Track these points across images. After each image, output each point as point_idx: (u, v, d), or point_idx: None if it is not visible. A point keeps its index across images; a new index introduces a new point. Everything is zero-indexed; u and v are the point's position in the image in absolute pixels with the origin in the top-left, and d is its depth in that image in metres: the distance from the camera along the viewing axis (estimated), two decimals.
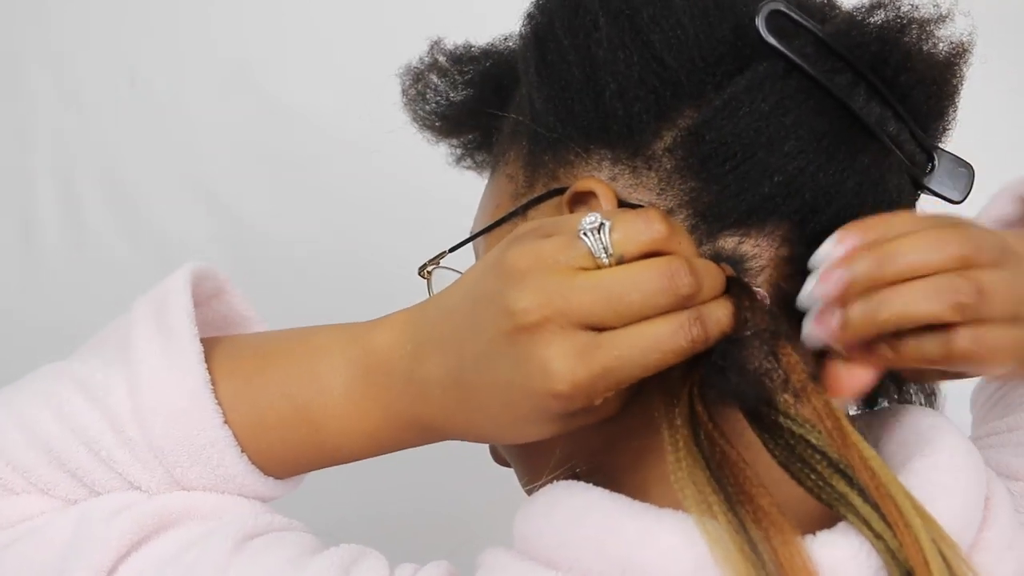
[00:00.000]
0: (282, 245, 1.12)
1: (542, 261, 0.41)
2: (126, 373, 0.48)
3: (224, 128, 1.13)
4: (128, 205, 1.13)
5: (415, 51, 1.07)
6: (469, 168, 0.61)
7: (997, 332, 0.42)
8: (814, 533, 0.41)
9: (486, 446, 0.58)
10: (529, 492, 0.51)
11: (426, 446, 0.49)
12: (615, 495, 0.43)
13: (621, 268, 0.41)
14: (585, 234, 0.41)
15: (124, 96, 1.14)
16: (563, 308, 0.40)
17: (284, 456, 0.50)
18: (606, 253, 0.41)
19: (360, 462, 0.51)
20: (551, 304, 0.40)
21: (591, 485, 0.44)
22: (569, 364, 0.40)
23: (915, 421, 0.47)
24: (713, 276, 0.42)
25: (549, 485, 0.46)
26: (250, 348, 0.51)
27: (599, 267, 0.41)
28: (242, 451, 0.48)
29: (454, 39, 0.60)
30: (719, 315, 0.42)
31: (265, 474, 0.50)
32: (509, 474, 0.57)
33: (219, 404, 0.48)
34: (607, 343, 0.40)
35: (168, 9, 1.15)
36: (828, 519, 0.42)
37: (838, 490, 0.40)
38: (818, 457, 0.41)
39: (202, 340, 0.49)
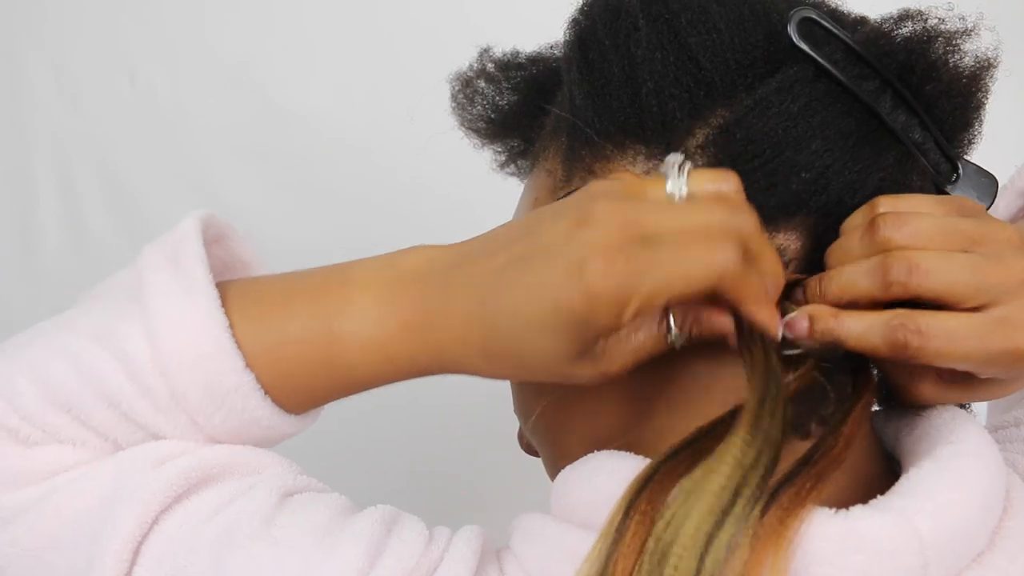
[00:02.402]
0: (282, 245, 1.11)
1: (628, 188, 0.43)
2: (143, 321, 0.47)
3: (224, 128, 1.13)
4: (128, 205, 1.13)
5: (414, 52, 1.07)
6: (512, 174, 0.62)
7: (940, 319, 0.43)
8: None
9: (511, 436, 0.59)
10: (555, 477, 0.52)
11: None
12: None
13: (691, 199, 0.43)
14: (667, 169, 0.44)
15: (124, 96, 1.14)
16: (631, 217, 0.42)
17: (302, 383, 0.49)
18: (678, 193, 0.43)
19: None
20: (622, 210, 0.42)
21: (631, 454, 0.46)
22: (609, 257, 0.41)
23: (937, 414, 0.48)
24: (773, 254, 0.44)
25: (591, 454, 0.47)
26: (266, 287, 0.51)
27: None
28: (265, 393, 0.48)
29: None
30: (775, 264, 0.44)
31: (286, 411, 0.50)
32: (528, 463, 0.57)
33: (238, 347, 0.48)
34: (651, 252, 0.41)
35: (168, 9, 1.15)
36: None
37: None
38: None
39: (217, 284, 0.49)
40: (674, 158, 0.44)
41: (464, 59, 0.61)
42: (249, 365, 0.48)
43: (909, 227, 0.44)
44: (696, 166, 0.47)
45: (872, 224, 0.45)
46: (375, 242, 1.09)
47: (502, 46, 0.60)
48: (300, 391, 0.50)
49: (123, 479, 0.47)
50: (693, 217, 0.42)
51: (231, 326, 0.48)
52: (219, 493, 0.47)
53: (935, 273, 0.43)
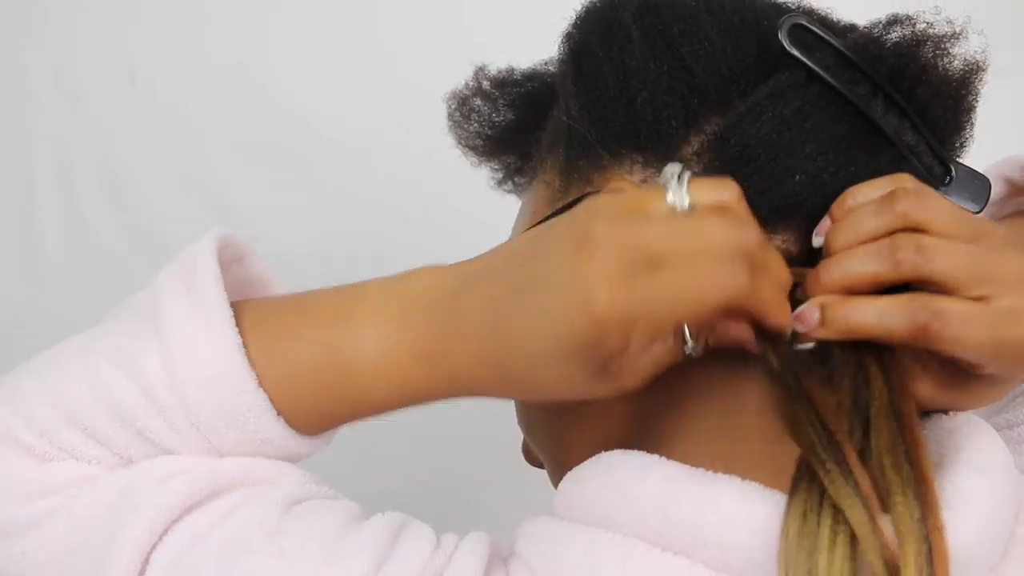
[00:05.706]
0: (282, 245, 1.11)
1: (628, 204, 0.43)
2: (157, 341, 0.48)
3: (224, 128, 1.13)
4: (128, 205, 1.13)
5: (414, 52, 1.07)
6: (509, 191, 0.63)
7: (956, 303, 0.43)
8: None
9: (516, 440, 0.59)
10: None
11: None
12: (671, 461, 0.44)
13: (694, 213, 0.43)
14: (667, 180, 0.43)
15: (124, 96, 1.14)
16: (634, 239, 0.41)
17: (315, 406, 0.49)
18: (679, 204, 0.43)
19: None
20: (624, 232, 0.41)
21: (644, 452, 0.46)
22: (614, 285, 0.40)
23: (949, 418, 0.48)
24: (779, 258, 0.45)
25: (601, 453, 0.47)
26: (280, 306, 0.51)
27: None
28: (278, 414, 0.48)
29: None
30: (782, 270, 0.44)
31: (299, 433, 0.50)
32: (531, 473, 0.57)
33: (252, 367, 0.48)
34: (658, 275, 0.41)
35: (168, 9, 1.15)
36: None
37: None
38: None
39: (231, 304, 0.49)
40: (673, 168, 0.43)
41: (463, 66, 0.61)
42: (262, 385, 0.48)
43: (930, 202, 0.45)
44: (694, 173, 0.47)
45: (892, 196, 0.45)
46: (374, 242, 1.10)
47: (502, 55, 0.60)
48: (313, 414, 0.49)
49: (132, 491, 0.47)
50: (698, 236, 0.41)
51: (244, 345, 0.48)
52: (227, 502, 0.47)
53: (941, 256, 0.43)
